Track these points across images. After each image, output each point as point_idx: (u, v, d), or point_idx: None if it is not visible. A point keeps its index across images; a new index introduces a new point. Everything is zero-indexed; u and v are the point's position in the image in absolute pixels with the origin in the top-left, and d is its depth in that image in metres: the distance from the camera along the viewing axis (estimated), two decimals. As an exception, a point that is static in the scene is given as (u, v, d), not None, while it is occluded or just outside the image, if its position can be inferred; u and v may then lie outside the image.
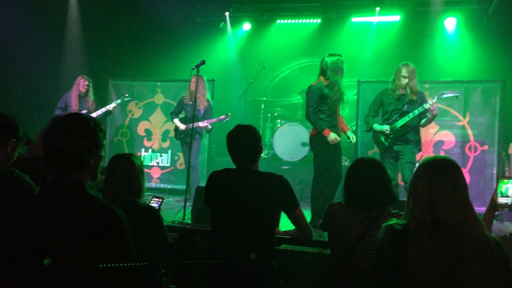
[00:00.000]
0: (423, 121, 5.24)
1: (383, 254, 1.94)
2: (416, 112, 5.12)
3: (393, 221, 1.99)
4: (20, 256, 1.66)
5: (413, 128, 5.23)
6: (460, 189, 1.86)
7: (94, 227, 1.65)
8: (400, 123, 5.18)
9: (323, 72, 5.04)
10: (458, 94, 5.30)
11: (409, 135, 5.20)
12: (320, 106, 5.02)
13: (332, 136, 4.97)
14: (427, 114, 5.15)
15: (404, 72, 5.18)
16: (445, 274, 1.79)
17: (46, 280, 1.62)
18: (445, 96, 5.22)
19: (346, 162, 7.53)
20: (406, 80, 5.16)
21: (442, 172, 1.89)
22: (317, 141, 5.07)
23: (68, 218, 1.67)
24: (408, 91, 5.18)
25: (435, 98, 5.16)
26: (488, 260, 1.77)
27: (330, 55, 5.06)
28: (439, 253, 1.81)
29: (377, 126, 5.34)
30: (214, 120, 6.38)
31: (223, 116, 6.34)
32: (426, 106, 5.06)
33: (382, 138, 5.32)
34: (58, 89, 7.22)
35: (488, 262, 1.77)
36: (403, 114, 5.19)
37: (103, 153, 1.85)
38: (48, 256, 1.63)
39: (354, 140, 5.35)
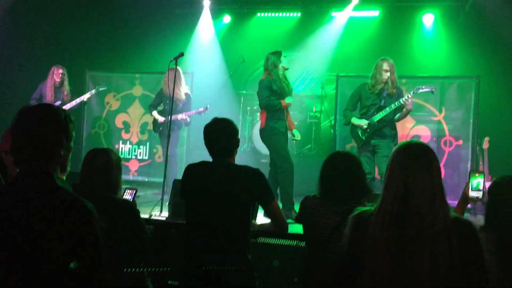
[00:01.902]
0: (397, 115, 5.32)
1: (348, 240, 1.97)
2: (393, 106, 5.19)
3: (361, 209, 2.00)
4: None
5: (389, 123, 5.30)
6: (434, 175, 1.86)
7: (61, 217, 1.63)
8: (377, 117, 5.24)
9: (266, 68, 5.34)
10: (433, 89, 5.36)
11: (386, 130, 5.27)
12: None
13: (289, 99, 5.27)
14: (403, 109, 5.22)
15: (385, 66, 5.24)
16: (398, 258, 1.80)
17: (12, 274, 1.60)
18: (421, 91, 5.29)
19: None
20: (388, 74, 5.22)
21: (418, 156, 1.88)
22: (268, 132, 5.26)
23: (35, 209, 1.64)
24: (390, 84, 5.23)
25: (411, 93, 5.23)
26: (442, 245, 1.76)
27: (271, 54, 5.37)
28: (397, 237, 1.82)
29: (355, 120, 5.40)
30: (193, 112, 6.35)
31: (202, 109, 6.31)
32: (402, 100, 5.13)
33: (360, 132, 5.37)
34: (33, 80, 7.07)
35: (441, 248, 1.76)
36: (380, 108, 5.25)
37: (72, 145, 1.83)
38: (14, 248, 1.60)
39: (299, 138, 5.58)
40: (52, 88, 6.63)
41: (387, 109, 5.20)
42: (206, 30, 9.37)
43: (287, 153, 5.24)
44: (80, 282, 1.63)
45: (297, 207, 2.85)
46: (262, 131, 5.33)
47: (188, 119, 6.35)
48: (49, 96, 6.60)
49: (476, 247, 1.82)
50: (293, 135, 5.48)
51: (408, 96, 5.12)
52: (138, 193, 4.54)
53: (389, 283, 1.80)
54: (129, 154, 7.90)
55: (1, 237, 1.63)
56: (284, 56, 5.36)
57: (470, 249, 1.80)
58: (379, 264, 1.83)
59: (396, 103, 5.18)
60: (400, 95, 5.31)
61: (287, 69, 5.35)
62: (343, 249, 2.03)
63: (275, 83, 5.21)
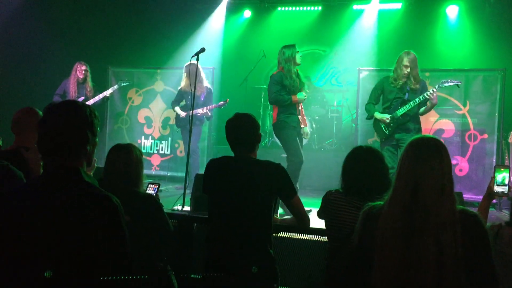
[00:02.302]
0: (422, 109, 5.23)
1: (358, 234, 2.01)
2: (417, 101, 5.10)
3: (371, 204, 2.03)
4: (15, 243, 1.67)
5: (413, 117, 5.22)
6: (444, 168, 1.89)
7: (89, 212, 1.66)
8: (401, 111, 5.16)
9: (280, 62, 5.28)
10: (459, 83, 5.25)
11: (410, 124, 5.18)
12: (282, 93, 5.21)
13: (300, 95, 5.20)
14: (427, 102, 5.12)
15: (406, 61, 5.13)
16: (406, 246, 1.84)
17: (40, 268, 1.64)
18: (446, 84, 5.18)
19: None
20: (408, 70, 5.12)
21: (429, 151, 1.92)
22: (279, 126, 5.24)
23: (63, 204, 1.67)
24: (412, 79, 5.13)
25: (436, 86, 5.12)
26: (447, 234, 1.80)
27: (285, 47, 5.29)
28: (404, 226, 1.86)
29: (378, 114, 5.32)
30: (213, 106, 6.36)
31: (222, 102, 6.32)
32: (427, 94, 5.04)
33: (383, 127, 5.29)
34: (56, 77, 7.18)
35: (446, 237, 1.80)
36: (404, 102, 5.16)
37: (97, 140, 1.86)
38: (42, 242, 1.64)
39: (307, 137, 5.55)
40: (75, 84, 6.73)
41: (411, 103, 5.11)
42: (226, 25, 9.39)
43: (296, 147, 5.18)
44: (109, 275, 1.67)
45: (318, 202, 2.83)
46: (275, 126, 5.32)
47: (209, 113, 6.37)
48: (72, 92, 6.70)
49: (482, 240, 1.85)
50: (303, 134, 5.42)
51: (433, 90, 5.02)
52: (160, 188, 4.57)
53: (397, 273, 1.84)
54: (151, 149, 7.98)
55: (30, 232, 1.67)
56: (298, 51, 5.27)
57: (475, 241, 1.83)
58: (387, 254, 1.86)
59: (421, 97, 5.08)
60: (424, 88, 5.21)
61: (298, 64, 5.28)
62: (353, 242, 2.06)
63: (287, 79, 5.16)
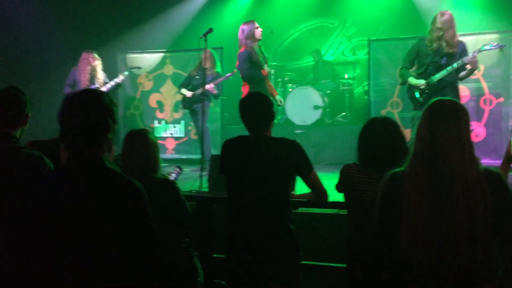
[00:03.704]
0: (463, 73, 4.83)
1: (383, 201, 2.04)
2: (455, 65, 4.71)
3: (392, 171, 2.06)
4: (44, 231, 1.72)
5: (451, 83, 4.83)
6: (461, 128, 1.91)
7: (114, 198, 1.70)
8: (437, 77, 4.78)
9: (240, 41, 5.41)
10: (502, 46, 4.83)
11: (447, 90, 4.74)
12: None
13: (267, 68, 5.40)
14: (466, 67, 4.76)
15: (439, 22, 4.74)
16: (435, 207, 1.87)
17: (72, 255, 1.68)
18: (487, 48, 4.77)
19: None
20: (441, 32, 4.72)
21: (446, 110, 1.95)
22: None
23: (89, 192, 1.71)
24: (444, 44, 4.74)
25: (476, 50, 4.69)
26: (475, 196, 1.84)
27: (244, 24, 5.45)
28: (431, 185, 1.89)
29: (412, 80, 4.93)
30: (221, 79, 6.32)
31: (229, 74, 6.28)
32: (466, 59, 4.66)
33: (417, 93, 4.94)
34: (64, 66, 7.18)
35: (475, 199, 1.84)
36: (441, 67, 4.78)
37: (117, 127, 1.88)
38: (72, 230, 1.68)
39: (282, 104, 5.70)
40: (85, 73, 6.71)
41: (449, 68, 4.71)
42: (232, 3, 9.30)
43: None
44: (140, 260, 1.71)
45: (334, 176, 2.83)
46: None
47: (216, 91, 6.31)
48: (84, 81, 6.69)
49: (507, 196, 1.90)
50: (276, 101, 5.54)
51: (472, 55, 4.64)
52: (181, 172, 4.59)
53: (427, 230, 1.87)
54: (165, 133, 8.02)
55: (59, 221, 1.70)
56: (257, 27, 5.36)
57: (501, 199, 1.87)
58: (415, 212, 1.89)
59: (459, 62, 4.68)
60: (463, 52, 4.78)
61: (259, 39, 5.41)
62: (375, 210, 2.09)
63: (253, 55, 5.27)
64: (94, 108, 1.78)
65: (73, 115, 1.77)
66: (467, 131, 1.93)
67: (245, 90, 5.41)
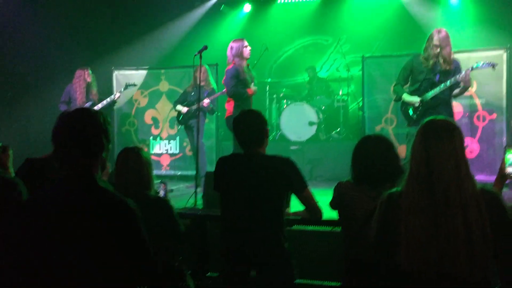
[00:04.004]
0: (456, 91, 4.86)
1: (381, 222, 2.03)
2: (448, 83, 4.73)
3: (389, 191, 2.06)
4: (34, 248, 1.69)
5: (445, 100, 4.84)
6: (456, 146, 1.93)
7: (107, 218, 1.69)
8: (430, 94, 4.80)
9: (229, 58, 5.45)
10: (495, 65, 4.83)
11: (440, 108, 4.74)
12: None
13: (254, 87, 5.40)
14: (460, 84, 4.77)
15: (436, 40, 4.76)
16: (432, 224, 1.88)
17: (61, 273, 1.66)
18: (480, 66, 4.77)
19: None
20: (438, 50, 4.76)
21: (440, 129, 1.97)
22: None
23: (79, 211, 1.69)
24: (441, 60, 4.77)
25: (469, 68, 4.71)
26: (473, 212, 1.85)
27: (233, 41, 5.48)
28: (428, 203, 1.90)
29: (407, 96, 4.95)
30: (217, 94, 6.37)
31: (225, 90, 6.31)
32: (459, 77, 4.69)
33: (410, 110, 4.95)
34: (59, 82, 7.18)
35: (473, 215, 1.85)
36: (434, 84, 4.81)
37: (110, 146, 1.88)
38: (61, 250, 1.66)
39: None
40: (81, 90, 6.75)
41: (442, 85, 4.74)
42: (227, 21, 9.38)
43: None
44: (136, 282, 1.70)
45: (330, 193, 2.83)
46: (228, 119, 5.38)
47: (211, 106, 6.35)
48: (80, 98, 6.71)
49: (503, 216, 1.90)
50: None
51: (465, 73, 4.66)
52: (171, 187, 4.52)
53: (426, 249, 1.87)
54: (160, 149, 8.01)
55: (48, 240, 1.68)
56: (246, 46, 5.40)
57: (497, 218, 1.87)
58: (414, 231, 1.89)
59: (452, 79, 4.72)
60: (457, 69, 4.81)
61: (247, 58, 5.43)
62: (373, 230, 2.08)
63: (240, 73, 5.30)
64: (89, 127, 1.78)
65: (66, 133, 1.77)
66: (462, 149, 1.95)
67: (229, 106, 5.45)
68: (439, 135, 1.95)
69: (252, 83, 5.48)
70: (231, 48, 5.43)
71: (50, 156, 3.03)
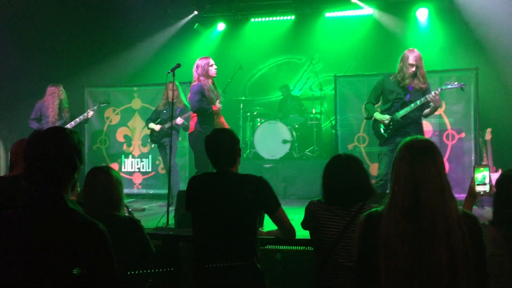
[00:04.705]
0: (427, 111, 4.96)
1: (360, 243, 1.96)
2: (418, 103, 4.82)
3: (369, 211, 2.01)
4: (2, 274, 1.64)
5: (415, 120, 4.93)
6: (440, 169, 1.89)
7: (75, 240, 1.64)
8: (401, 113, 4.89)
9: (195, 76, 5.51)
10: (463, 86, 4.88)
11: (410, 127, 4.87)
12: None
13: (219, 105, 5.43)
14: (430, 105, 4.88)
15: (411, 59, 4.85)
16: (416, 252, 1.83)
17: None
18: (450, 87, 4.88)
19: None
20: (414, 68, 4.84)
21: (424, 153, 1.91)
22: (195, 137, 5.36)
23: (48, 234, 1.65)
24: (420, 78, 4.86)
25: (438, 89, 4.82)
26: (456, 236, 1.81)
27: (199, 59, 5.52)
28: (412, 231, 1.84)
29: (377, 115, 5.04)
30: (190, 112, 6.33)
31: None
32: (428, 97, 4.79)
33: (382, 129, 5.02)
34: (30, 99, 7.05)
35: (456, 239, 1.81)
36: (405, 104, 4.89)
37: (82, 167, 1.84)
38: (30, 271, 1.60)
39: None
40: (53, 107, 6.62)
41: (412, 105, 4.83)
42: (201, 39, 9.40)
43: (207, 163, 5.25)
44: None
45: (303, 211, 2.83)
46: (191, 135, 5.45)
47: (186, 123, 6.31)
48: (52, 115, 6.58)
49: (481, 241, 1.87)
50: None
51: (435, 93, 4.76)
52: (143, 206, 4.39)
53: (408, 278, 1.82)
54: (132, 168, 7.89)
55: (17, 262, 1.63)
56: (212, 64, 5.46)
57: (476, 242, 1.85)
58: (395, 260, 1.83)
59: (422, 99, 4.80)
60: (427, 89, 4.92)
61: (213, 76, 5.48)
62: (354, 254, 2.02)
63: (205, 90, 5.34)
64: (62, 147, 1.73)
65: (38, 153, 1.72)
66: (444, 168, 1.92)
67: (192, 123, 5.46)
68: (422, 158, 1.89)
69: (218, 101, 5.49)
70: (197, 66, 5.46)
71: (16, 175, 2.96)
